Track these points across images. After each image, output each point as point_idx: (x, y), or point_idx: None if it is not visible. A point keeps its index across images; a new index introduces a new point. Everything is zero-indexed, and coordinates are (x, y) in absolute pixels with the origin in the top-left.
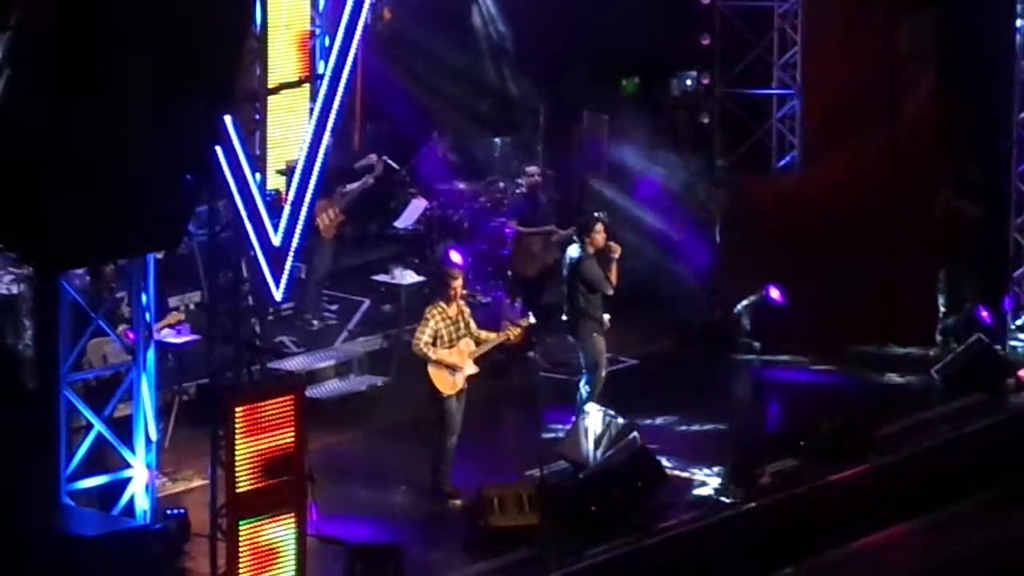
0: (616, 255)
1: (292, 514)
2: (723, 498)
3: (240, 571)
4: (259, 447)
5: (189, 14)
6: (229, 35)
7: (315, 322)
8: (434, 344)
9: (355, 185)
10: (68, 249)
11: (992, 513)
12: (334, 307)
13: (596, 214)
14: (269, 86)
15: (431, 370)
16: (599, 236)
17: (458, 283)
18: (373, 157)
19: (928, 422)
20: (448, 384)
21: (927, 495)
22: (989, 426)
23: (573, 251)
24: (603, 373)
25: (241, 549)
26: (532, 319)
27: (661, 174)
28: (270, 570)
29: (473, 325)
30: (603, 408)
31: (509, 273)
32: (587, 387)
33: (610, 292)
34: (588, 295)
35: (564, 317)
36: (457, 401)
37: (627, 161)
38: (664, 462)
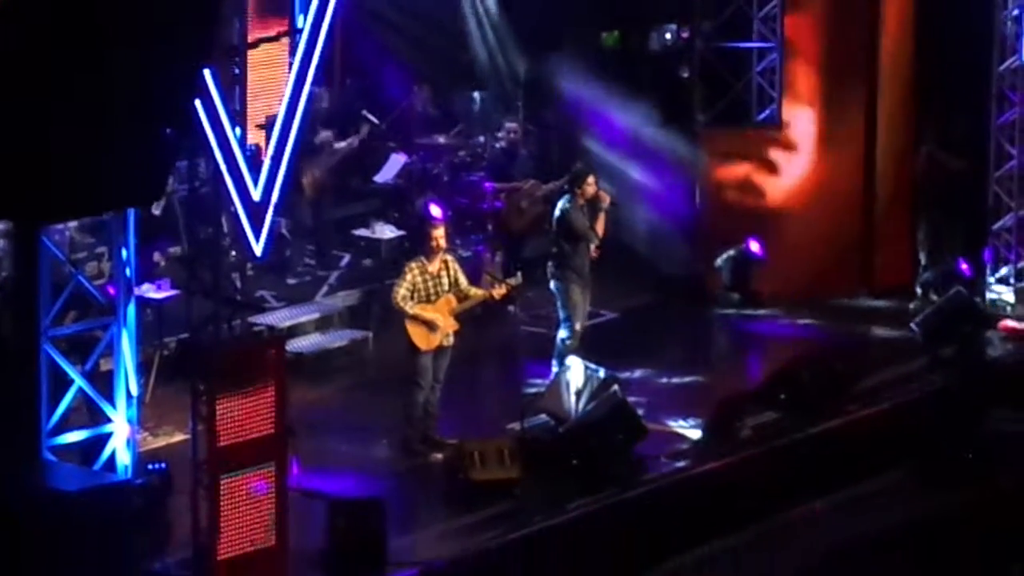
0: (605, 204)
1: (273, 468)
2: (703, 451)
3: (221, 525)
4: (240, 401)
5: None
6: None
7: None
8: (412, 299)
9: (342, 144)
10: (48, 204)
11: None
12: (313, 262)
13: (578, 165)
14: (248, 40)
15: (408, 324)
16: (590, 188)
17: (439, 233)
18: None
19: (908, 375)
20: (424, 339)
21: (905, 449)
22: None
23: (562, 202)
24: (578, 326)
25: (222, 503)
26: (520, 278)
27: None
28: (251, 524)
29: (463, 280)
30: (583, 361)
31: (489, 227)
32: (564, 340)
33: (595, 242)
34: (571, 246)
35: (549, 265)
36: (436, 357)
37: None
38: (644, 415)
